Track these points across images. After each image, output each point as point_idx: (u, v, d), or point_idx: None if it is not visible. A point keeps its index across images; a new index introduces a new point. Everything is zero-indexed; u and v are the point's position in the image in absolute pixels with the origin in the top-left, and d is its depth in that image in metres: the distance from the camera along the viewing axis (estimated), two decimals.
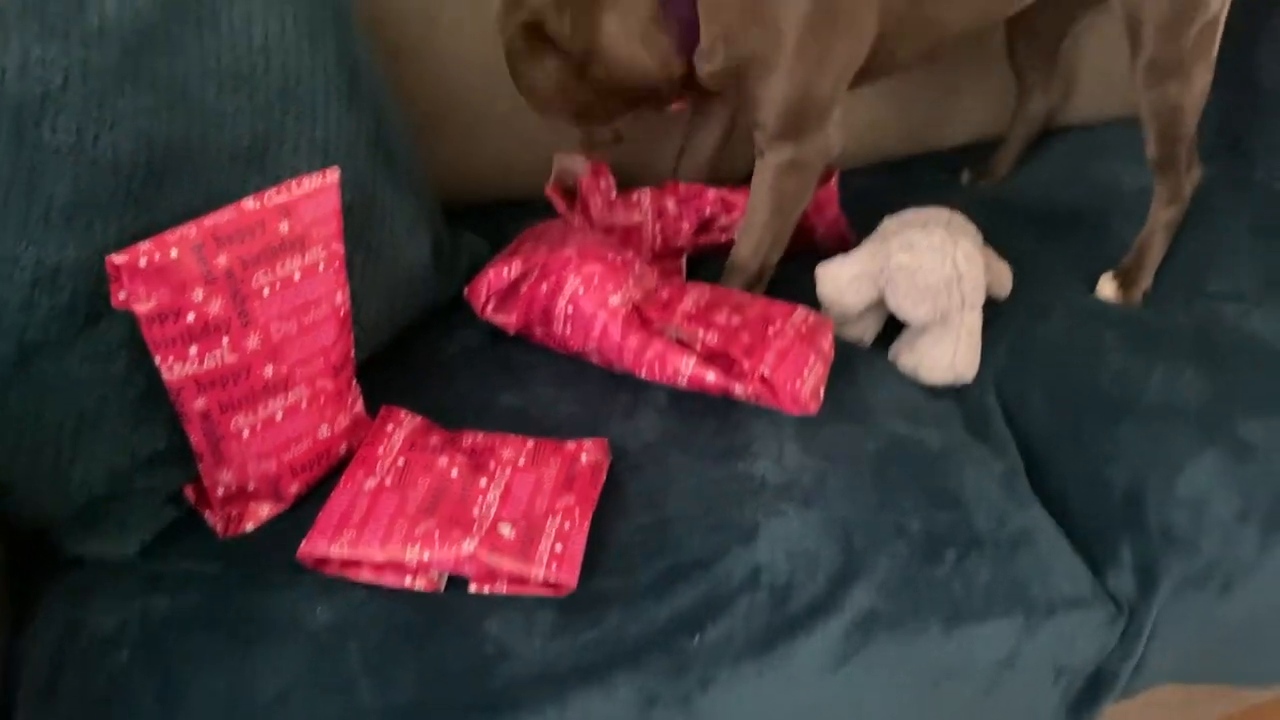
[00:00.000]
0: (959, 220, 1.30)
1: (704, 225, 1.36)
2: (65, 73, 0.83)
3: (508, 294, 1.16)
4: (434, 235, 1.18)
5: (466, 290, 1.19)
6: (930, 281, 1.16)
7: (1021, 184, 1.59)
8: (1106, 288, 1.33)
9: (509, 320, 1.17)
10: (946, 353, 1.18)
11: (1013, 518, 1.04)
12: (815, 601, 0.94)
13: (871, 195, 1.47)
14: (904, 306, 1.18)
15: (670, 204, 1.35)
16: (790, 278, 1.29)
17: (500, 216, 1.37)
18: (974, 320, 1.19)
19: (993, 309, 1.26)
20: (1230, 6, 1.27)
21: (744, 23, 1.10)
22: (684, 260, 1.35)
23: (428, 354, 1.17)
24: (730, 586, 0.94)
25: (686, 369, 1.07)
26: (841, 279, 1.20)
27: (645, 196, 1.35)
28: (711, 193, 1.35)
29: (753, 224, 1.24)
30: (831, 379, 1.11)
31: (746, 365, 1.06)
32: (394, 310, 1.13)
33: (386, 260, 1.09)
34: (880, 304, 1.22)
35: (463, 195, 1.39)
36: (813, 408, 1.06)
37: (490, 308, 1.17)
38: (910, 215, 1.31)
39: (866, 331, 1.25)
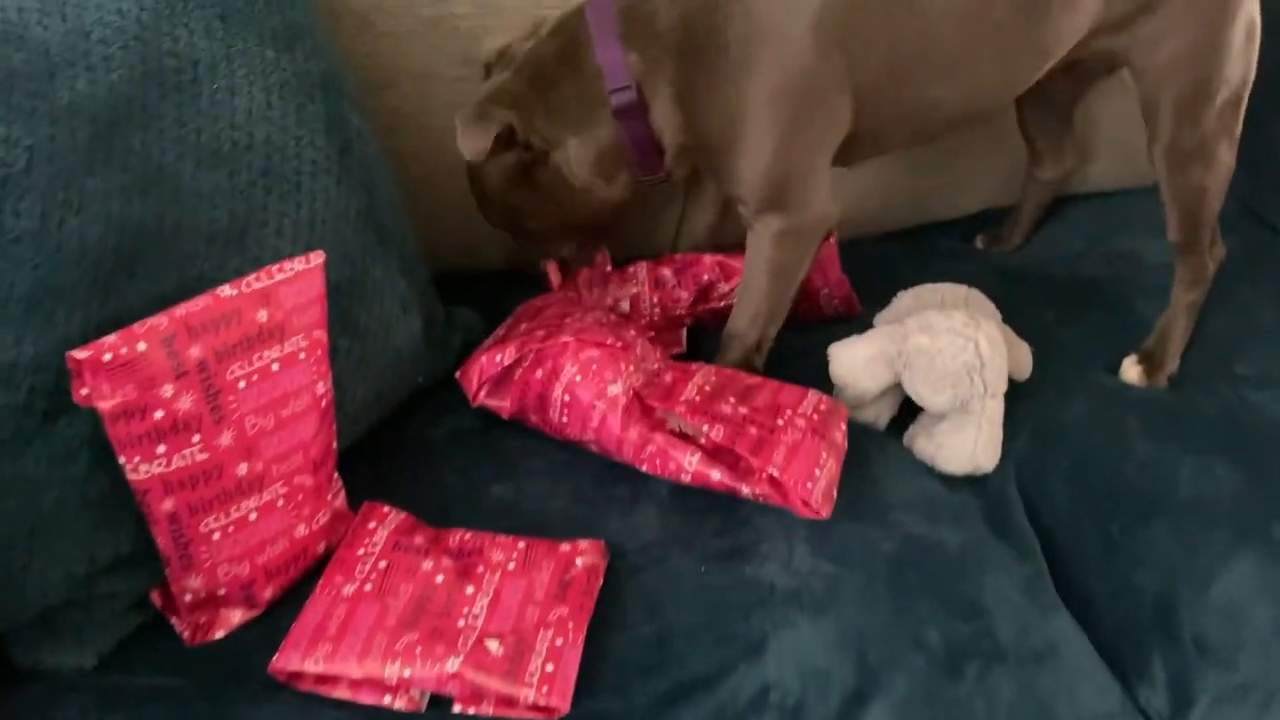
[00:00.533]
0: (977, 298, 1.25)
1: (703, 293, 1.30)
2: (30, 153, 0.78)
3: (501, 378, 1.10)
4: (426, 313, 1.12)
5: (458, 374, 1.13)
6: (951, 368, 1.10)
7: (1039, 255, 1.54)
8: (1130, 371, 1.27)
9: (502, 405, 1.10)
10: (967, 443, 1.12)
11: (1038, 627, 0.97)
12: None
13: (882, 265, 1.42)
14: (922, 393, 1.12)
15: (667, 273, 1.29)
16: (800, 351, 1.23)
17: (497, 287, 1.32)
18: (996, 409, 1.13)
19: (1012, 389, 1.19)
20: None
21: (704, 117, 1.11)
22: (684, 333, 1.30)
23: (415, 438, 1.11)
24: (737, 708, 0.87)
25: (690, 466, 1.01)
26: (856, 361, 1.14)
27: (641, 269, 1.30)
28: (708, 259, 1.29)
29: (749, 294, 1.18)
30: (844, 470, 1.05)
31: (754, 463, 1.00)
32: (381, 395, 1.07)
33: (374, 343, 1.03)
34: (896, 386, 1.16)
35: (459, 265, 1.33)
36: (825, 512, 0.99)
37: (483, 394, 1.11)
38: (926, 291, 1.26)
39: (881, 415, 1.19)
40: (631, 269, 1.30)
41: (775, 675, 0.89)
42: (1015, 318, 1.25)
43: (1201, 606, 1.01)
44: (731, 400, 1.06)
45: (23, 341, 0.77)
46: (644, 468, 1.04)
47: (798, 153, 1.12)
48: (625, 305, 1.28)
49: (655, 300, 1.29)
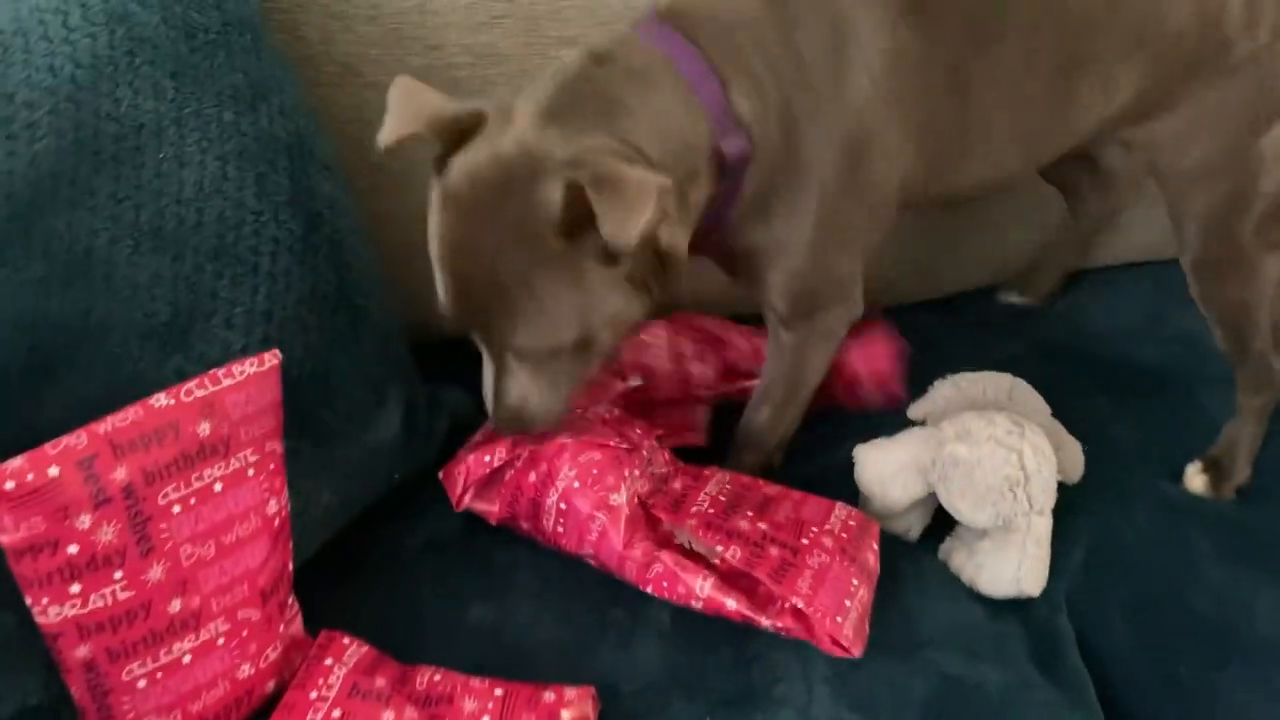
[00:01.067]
0: (1023, 390, 1.12)
1: (729, 371, 1.17)
2: None
3: (490, 480, 0.98)
4: (406, 401, 1.00)
5: (441, 474, 1.00)
6: (991, 482, 0.97)
7: (1089, 330, 1.41)
8: (1195, 481, 1.13)
9: (490, 510, 0.98)
10: (1010, 565, 0.98)
11: None
12: None
13: (918, 336, 1.29)
14: (960, 508, 0.99)
15: (688, 349, 1.16)
16: (821, 442, 1.10)
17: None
18: (1043, 527, 0.99)
19: (1063, 497, 1.06)
20: None
21: (765, 200, 0.92)
22: (704, 417, 1.16)
23: (389, 545, 0.99)
24: None
25: (702, 592, 0.88)
26: (886, 468, 1.01)
27: (661, 337, 1.16)
28: (740, 337, 1.16)
29: (770, 399, 1.06)
30: (887, 587, 0.93)
31: (776, 591, 0.87)
32: (349, 499, 0.94)
33: (341, 444, 0.91)
34: (930, 495, 1.03)
35: (446, 335, 1.21)
36: (857, 650, 0.86)
37: (468, 497, 0.98)
38: (966, 382, 1.13)
39: (913, 526, 1.06)
40: (648, 335, 1.16)
41: None
42: (1063, 407, 1.12)
43: None
44: (749, 514, 0.93)
45: None
46: (649, 589, 0.91)
47: (845, 256, 0.99)
48: (635, 380, 1.15)
49: (676, 375, 1.16)
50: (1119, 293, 1.45)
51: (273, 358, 0.76)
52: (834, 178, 0.93)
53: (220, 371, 0.74)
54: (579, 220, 0.75)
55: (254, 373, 0.75)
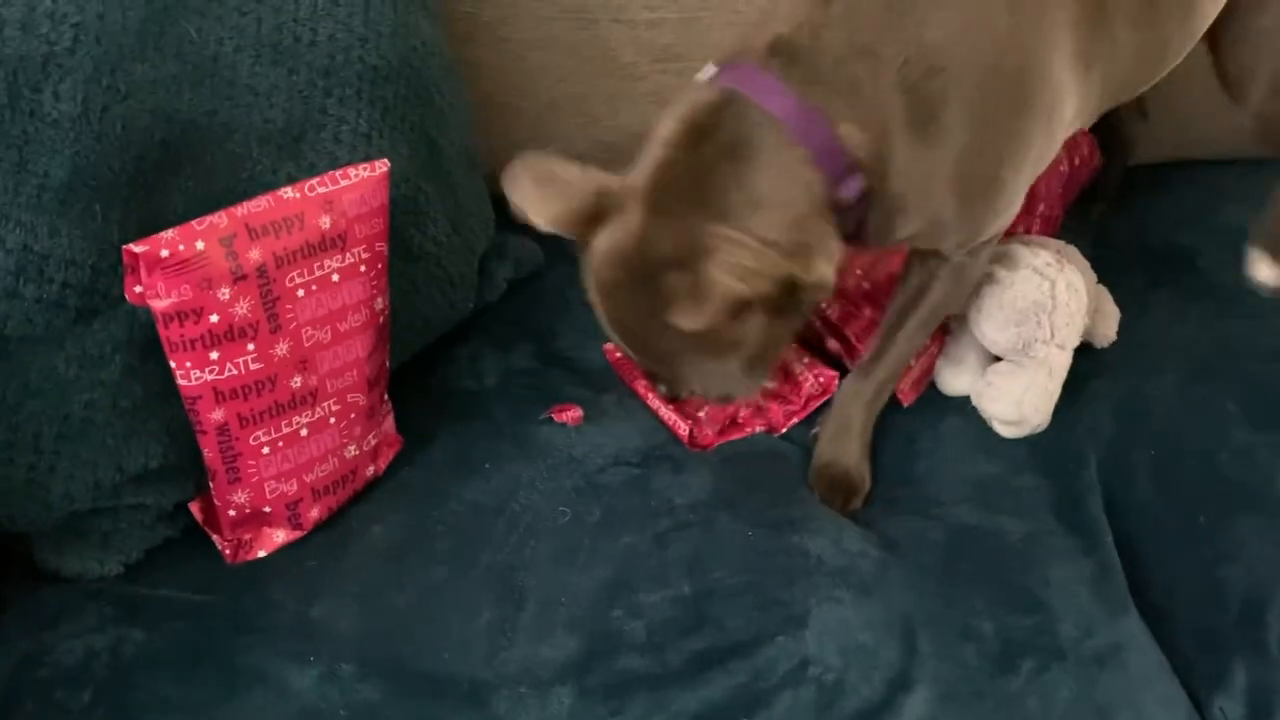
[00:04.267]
0: (1072, 251, 1.16)
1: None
2: (76, 31, 0.73)
3: None
4: (482, 241, 1.07)
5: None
6: (1020, 305, 1.02)
7: (1135, 221, 1.43)
8: (1261, 267, 1.14)
9: None
10: (1017, 387, 1.04)
11: (1102, 627, 0.91)
12: (869, 706, 0.83)
13: None
14: (986, 330, 1.04)
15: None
16: None
17: None
18: (1060, 362, 1.05)
19: (1095, 358, 1.12)
20: None
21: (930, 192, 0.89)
22: None
23: (464, 368, 1.06)
24: (773, 679, 0.83)
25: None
26: None
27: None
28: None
29: (920, 328, 1.02)
30: (903, 450, 1.01)
31: (860, 348, 1.04)
32: (429, 320, 1.02)
33: (426, 263, 0.98)
34: (981, 353, 1.08)
35: None
36: (906, 400, 1.05)
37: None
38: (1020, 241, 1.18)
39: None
40: None
41: (815, 650, 0.84)
42: (1101, 279, 1.15)
43: None
44: (858, 271, 1.09)
45: (57, 233, 0.73)
46: None
47: (1021, 190, 0.96)
48: None
49: None
50: (1169, 191, 1.47)
51: (382, 165, 0.83)
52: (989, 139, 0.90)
53: (337, 173, 0.81)
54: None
55: (367, 177, 0.82)
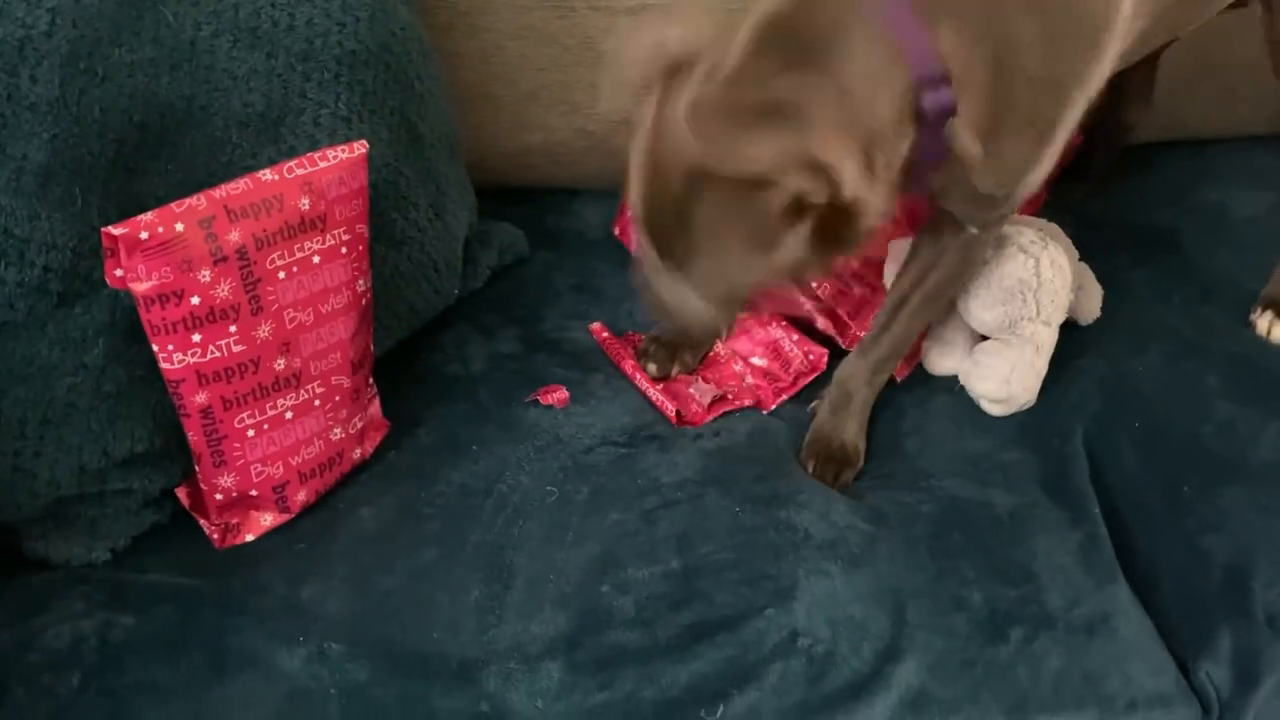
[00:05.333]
0: (1054, 229, 1.17)
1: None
2: (53, 15, 0.73)
3: None
4: (465, 227, 1.07)
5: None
6: (1006, 283, 1.03)
7: (1117, 201, 1.44)
8: (1262, 322, 1.15)
9: None
10: (1004, 366, 1.04)
11: (1090, 596, 0.92)
12: (858, 677, 0.83)
13: None
14: (973, 309, 1.05)
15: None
16: None
17: (547, 203, 1.27)
18: (1046, 339, 1.05)
19: (1080, 335, 1.13)
20: None
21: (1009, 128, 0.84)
22: None
23: (450, 353, 1.07)
24: (762, 652, 0.83)
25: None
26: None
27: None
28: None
29: (927, 306, 1.02)
30: (892, 427, 1.02)
31: (853, 327, 1.06)
32: (414, 306, 1.02)
33: (409, 247, 0.98)
34: (968, 332, 1.09)
35: (509, 178, 1.28)
36: (899, 374, 1.05)
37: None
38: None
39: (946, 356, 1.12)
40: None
41: (804, 622, 0.85)
42: (1085, 258, 1.16)
43: (1278, 579, 0.93)
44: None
45: (37, 217, 0.73)
46: None
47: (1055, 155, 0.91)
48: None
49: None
50: (1150, 171, 1.48)
51: (361, 146, 0.83)
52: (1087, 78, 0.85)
53: (316, 155, 0.81)
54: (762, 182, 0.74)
55: (345, 158, 0.82)
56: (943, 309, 1.06)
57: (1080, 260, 1.15)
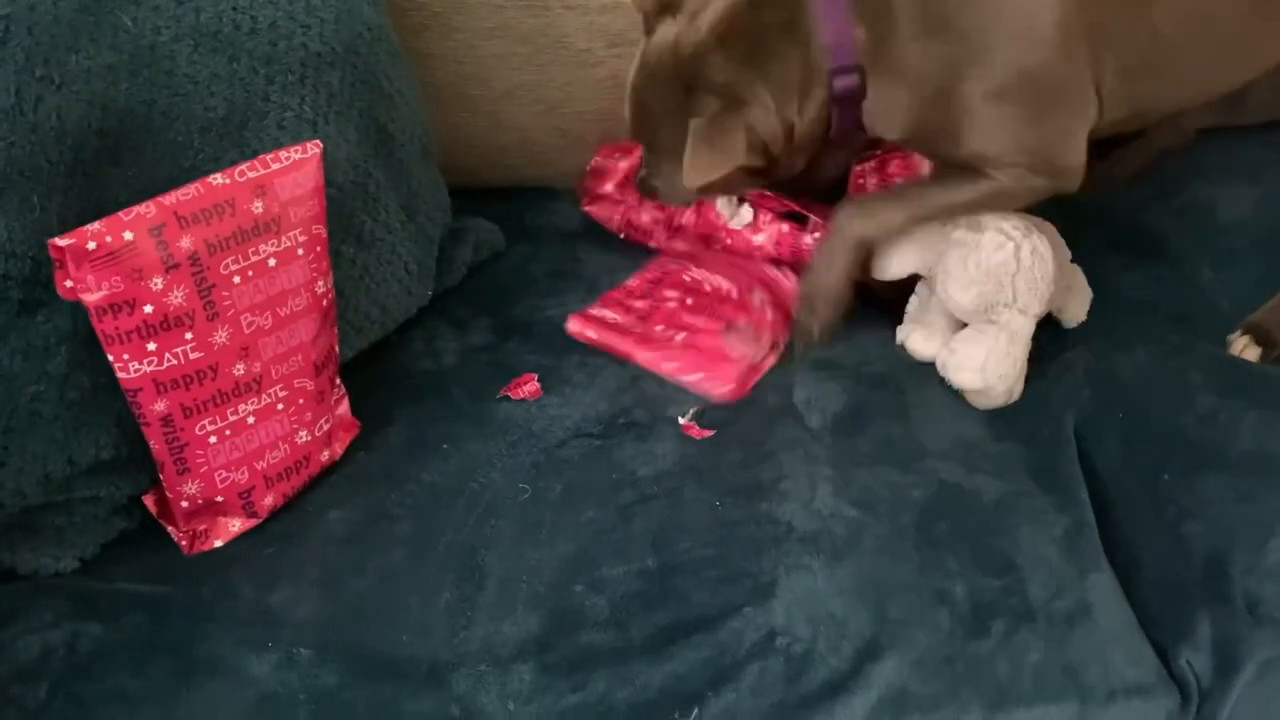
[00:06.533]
0: (1048, 228, 1.16)
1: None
2: (6, 23, 0.73)
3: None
4: (439, 227, 1.06)
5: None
6: (985, 266, 1.02)
7: (1105, 200, 1.43)
8: (1239, 344, 1.16)
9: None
10: (978, 354, 1.04)
11: (1071, 587, 0.91)
12: (837, 677, 0.82)
13: None
14: (949, 289, 1.04)
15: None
16: None
17: (523, 201, 1.26)
18: (1021, 327, 1.04)
19: (1069, 334, 1.13)
20: None
21: (929, 106, 1.00)
22: None
23: (421, 352, 1.06)
24: (738, 652, 0.82)
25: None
26: (893, 245, 1.07)
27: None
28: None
29: (930, 197, 1.07)
30: (880, 411, 1.00)
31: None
32: (386, 309, 1.01)
33: (379, 249, 0.98)
34: (949, 319, 1.08)
35: (486, 178, 1.28)
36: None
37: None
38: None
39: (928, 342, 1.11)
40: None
41: (783, 620, 0.84)
42: (1076, 261, 1.16)
43: (1257, 566, 0.92)
44: None
45: None
46: None
47: (1051, 128, 1.03)
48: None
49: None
50: None
51: (314, 147, 0.82)
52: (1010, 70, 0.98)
53: (268, 157, 0.81)
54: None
55: (299, 158, 0.82)
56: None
57: (1072, 261, 1.14)
